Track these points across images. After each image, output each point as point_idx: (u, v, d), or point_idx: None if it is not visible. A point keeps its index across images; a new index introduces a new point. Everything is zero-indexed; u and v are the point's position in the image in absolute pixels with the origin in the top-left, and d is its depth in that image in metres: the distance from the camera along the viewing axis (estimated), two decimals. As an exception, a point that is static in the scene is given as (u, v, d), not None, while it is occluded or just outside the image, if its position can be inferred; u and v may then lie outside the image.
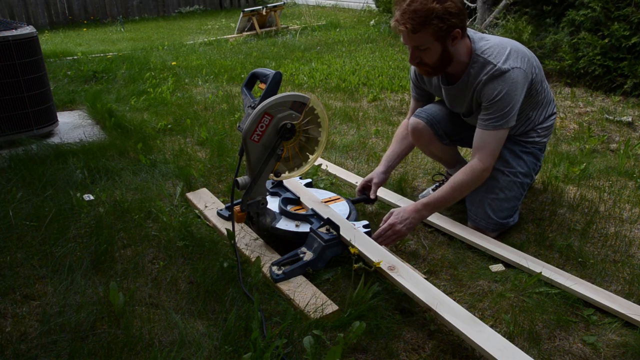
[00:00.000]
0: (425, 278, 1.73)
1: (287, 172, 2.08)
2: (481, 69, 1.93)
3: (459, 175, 1.97)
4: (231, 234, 1.98)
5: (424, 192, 2.51)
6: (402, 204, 2.28)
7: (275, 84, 1.92)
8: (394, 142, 2.36)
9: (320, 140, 2.02)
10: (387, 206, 2.38)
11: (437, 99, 2.34)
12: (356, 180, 2.59)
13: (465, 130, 2.25)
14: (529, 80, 1.93)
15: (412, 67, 2.23)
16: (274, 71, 1.92)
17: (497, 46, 1.93)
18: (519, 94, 1.90)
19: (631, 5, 3.95)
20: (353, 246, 1.79)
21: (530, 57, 1.98)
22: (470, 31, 1.98)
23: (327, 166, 2.79)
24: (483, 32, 5.46)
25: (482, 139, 1.95)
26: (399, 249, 2.07)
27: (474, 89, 1.97)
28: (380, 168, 2.29)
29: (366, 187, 2.30)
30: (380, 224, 1.97)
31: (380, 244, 1.88)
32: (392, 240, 1.95)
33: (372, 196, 2.26)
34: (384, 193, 2.43)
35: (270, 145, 1.90)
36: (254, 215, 1.99)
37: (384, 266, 1.71)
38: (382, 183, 2.29)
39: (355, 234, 1.90)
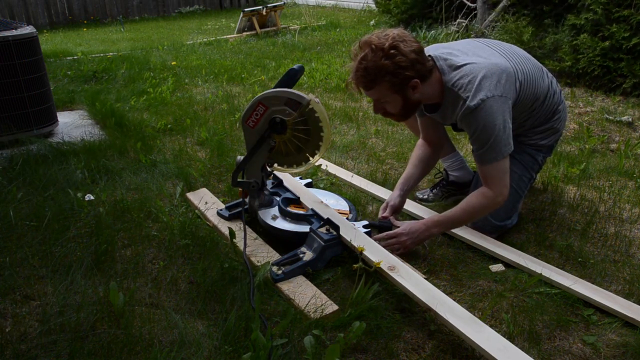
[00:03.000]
0: (425, 278, 1.73)
1: (285, 167, 2.15)
2: (454, 103, 1.89)
3: (472, 199, 1.93)
4: (232, 233, 1.99)
5: (423, 191, 2.51)
6: (421, 213, 2.26)
7: (289, 78, 1.99)
8: (410, 164, 2.27)
9: (322, 144, 2.04)
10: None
11: None
12: (353, 179, 2.60)
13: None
14: (509, 102, 1.84)
15: None
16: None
17: (468, 75, 1.84)
18: (499, 123, 1.81)
19: (631, 7, 3.95)
20: (355, 247, 1.79)
21: (509, 74, 1.86)
22: (440, 57, 1.89)
23: (327, 166, 2.79)
24: (483, 32, 5.48)
25: (485, 174, 1.90)
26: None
27: (455, 119, 1.95)
28: (396, 192, 2.21)
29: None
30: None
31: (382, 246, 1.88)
32: (394, 249, 1.94)
33: (386, 214, 2.15)
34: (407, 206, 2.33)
35: (262, 134, 1.99)
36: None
37: (384, 266, 1.72)
38: (399, 206, 2.19)
39: (356, 234, 1.90)
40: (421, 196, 2.47)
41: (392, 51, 1.75)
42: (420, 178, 2.30)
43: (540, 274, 1.82)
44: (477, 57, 1.91)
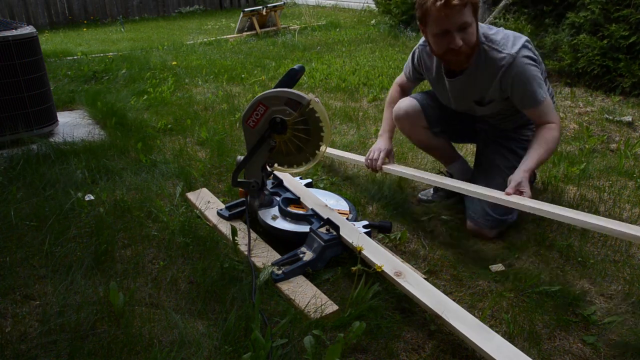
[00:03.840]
0: (425, 278, 1.72)
1: (285, 167, 2.16)
2: (490, 58, 1.95)
3: (544, 133, 1.98)
4: (234, 231, 1.99)
5: (424, 191, 2.50)
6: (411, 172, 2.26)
7: (289, 78, 2.01)
8: (390, 110, 2.37)
9: (322, 144, 2.04)
10: (388, 205, 2.38)
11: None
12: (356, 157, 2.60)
13: (456, 122, 2.26)
14: (537, 56, 1.98)
15: (417, 53, 2.24)
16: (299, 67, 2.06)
17: (499, 33, 1.98)
18: (534, 69, 1.94)
19: (630, 7, 3.95)
20: (355, 248, 1.79)
21: (531, 42, 2.01)
22: None
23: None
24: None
25: (536, 115, 1.99)
26: (398, 249, 2.07)
27: (490, 78, 1.98)
28: (386, 138, 2.35)
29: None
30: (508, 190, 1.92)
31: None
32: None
33: (388, 161, 2.31)
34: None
35: (262, 134, 1.99)
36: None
37: (389, 271, 1.70)
38: (392, 150, 2.35)
39: (358, 236, 1.89)
40: (425, 197, 2.45)
41: None
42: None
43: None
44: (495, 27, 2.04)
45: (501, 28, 2.04)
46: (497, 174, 2.12)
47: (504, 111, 2.15)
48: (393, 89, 2.45)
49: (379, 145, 2.33)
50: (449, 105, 2.23)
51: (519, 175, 1.92)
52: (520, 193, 1.87)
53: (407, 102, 2.27)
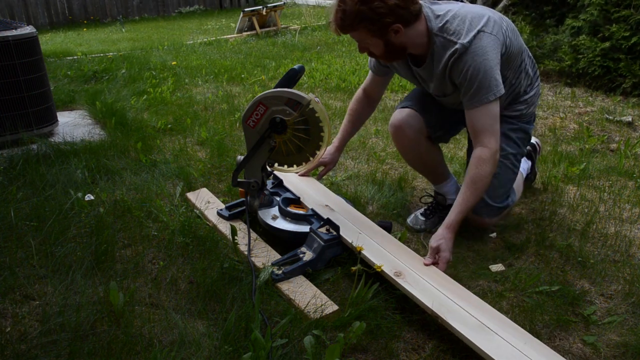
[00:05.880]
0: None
1: (285, 167, 2.16)
2: (443, 49, 1.82)
3: (471, 170, 1.84)
4: (234, 230, 1.99)
5: (410, 217, 2.28)
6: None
7: (289, 77, 2.00)
8: (349, 121, 2.32)
9: (322, 144, 2.04)
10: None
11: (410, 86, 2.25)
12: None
13: (449, 117, 2.15)
14: (500, 41, 1.81)
15: None
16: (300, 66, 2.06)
17: (455, 19, 1.82)
18: (492, 58, 1.78)
19: (630, 8, 3.95)
20: (355, 248, 1.78)
21: (498, 19, 1.85)
22: (425, 6, 1.84)
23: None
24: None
25: (476, 120, 1.84)
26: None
27: (443, 70, 1.86)
28: (332, 148, 2.33)
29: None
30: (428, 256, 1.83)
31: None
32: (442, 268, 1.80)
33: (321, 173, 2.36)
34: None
35: (262, 134, 1.99)
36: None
37: (389, 272, 1.70)
38: (330, 161, 2.32)
39: (358, 236, 1.89)
40: (417, 227, 2.23)
41: None
42: (354, 133, 2.42)
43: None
44: (460, 4, 1.90)
45: (460, 8, 1.86)
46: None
47: None
48: (356, 96, 2.30)
49: (325, 152, 2.23)
50: (428, 90, 2.09)
51: (440, 234, 1.81)
52: (436, 263, 1.78)
53: (405, 112, 2.11)
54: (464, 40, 1.78)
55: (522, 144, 2.11)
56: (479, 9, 1.89)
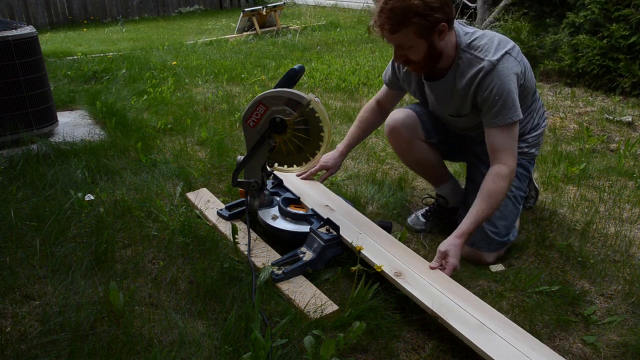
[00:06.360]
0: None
1: (285, 167, 2.16)
2: (469, 65, 1.82)
3: (487, 184, 1.81)
4: (235, 229, 1.99)
5: (411, 217, 2.28)
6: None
7: (289, 77, 2.00)
8: (358, 127, 2.31)
9: (322, 144, 2.04)
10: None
11: (415, 101, 2.21)
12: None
13: (448, 135, 2.13)
14: (520, 70, 1.83)
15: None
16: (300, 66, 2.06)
17: (484, 38, 1.84)
18: (514, 81, 1.80)
19: (630, 7, 3.95)
20: (354, 247, 1.78)
21: (519, 51, 1.87)
22: (456, 22, 1.85)
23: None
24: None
25: (497, 139, 1.83)
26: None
27: (466, 87, 1.85)
28: (336, 153, 2.31)
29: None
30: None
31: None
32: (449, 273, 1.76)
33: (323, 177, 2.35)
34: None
35: (262, 133, 1.99)
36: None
37: (389, 272, 1.70)
38: (332, 166, 2.31)
39: (358, 236, 1.89)
40: (418, 227, 2.23)
41: None
42: (360, 141, 2.41)
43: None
44: (484, 30, 1.91)
45: (488, 31, 1.90)
46: None
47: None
48: (368, 106, 2.29)
49: (328, 157, 2.29)
50: (435, 111, 2.10)
51: (450, 241, 1.78)
52: (443, 268, 1.75)
53: (402, 113, 2.11)
54: (492, 57, 1.79)
55: (523, 179, 2.07)
56: (505, 37, 1.90)
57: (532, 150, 2.09)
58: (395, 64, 2.11)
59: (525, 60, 1.92)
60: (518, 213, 2.05)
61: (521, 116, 1.83)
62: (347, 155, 3.01)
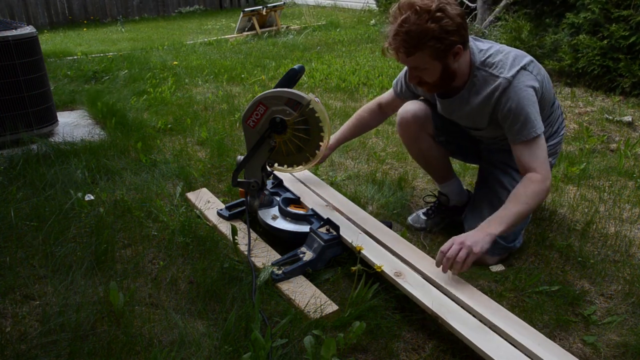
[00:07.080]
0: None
1: (285, 167, 2.16)
2: (484, 82, 1.81)
3: (520, 189, 1.74)
4: (235, 230, 1.99)
5: (412, 216, 2.27)
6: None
7: (289, 77, 2.00)
8: (353, 125, 2.30)
9: (322, 144, 2.04)
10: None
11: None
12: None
13: (458, 136, 2.11)
14: (538, 83, 1.80)
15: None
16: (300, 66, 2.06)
17: (499, 54, 1.82)
18: (533, 95, 1.77)
19: (630, 8, 3.96)
20: (354, 247, 1.78)
21: (538, 64, 1.86)
22: (470, 39, 1.83)
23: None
24: (483, 32, 5.48)
25: (525, 154, 1.78)
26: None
27: (483, 104, 1.83)
28: (327, 149, 2.18)
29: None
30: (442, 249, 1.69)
31: (447, 269, 1.67)
32: (466, 264, 1.64)
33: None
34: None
35: (262, 133, 1.99)
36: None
37: (390, 272, 1.70)
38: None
39: (358, 236, 1.89)
40: (418, 225, 2.22)
41: (438, 14, 1.64)
42: (352, 139, 2.44)
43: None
44: (499, 45, 1.88)
45: (503, 46, 1.87)
46: (505, 197, 1.84)
47: (504, 136, 1.92)
48: (369, 106, 2.27)
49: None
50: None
51: (470, 234, 1.67)
52: (451, 266, 1.65)
53: (416, 105, 2.07)
54: (508, 74, 1.76)
55: None
56: (521, 51, 1.88)
57: (549, 160, 2.03)
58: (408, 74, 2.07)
59: (544, 71, 1.89)
60: (527, 221, 2.04)
61: (543, 128, 1.79)
62: (348, 155, 3.01)
